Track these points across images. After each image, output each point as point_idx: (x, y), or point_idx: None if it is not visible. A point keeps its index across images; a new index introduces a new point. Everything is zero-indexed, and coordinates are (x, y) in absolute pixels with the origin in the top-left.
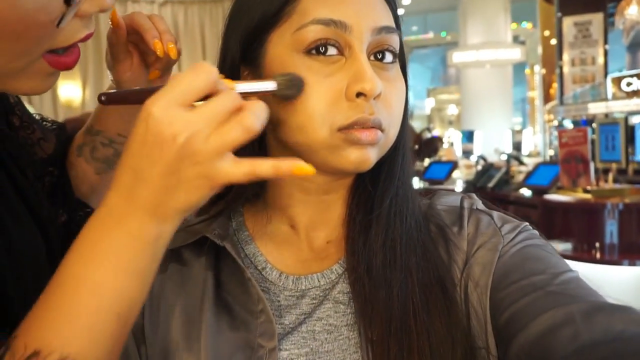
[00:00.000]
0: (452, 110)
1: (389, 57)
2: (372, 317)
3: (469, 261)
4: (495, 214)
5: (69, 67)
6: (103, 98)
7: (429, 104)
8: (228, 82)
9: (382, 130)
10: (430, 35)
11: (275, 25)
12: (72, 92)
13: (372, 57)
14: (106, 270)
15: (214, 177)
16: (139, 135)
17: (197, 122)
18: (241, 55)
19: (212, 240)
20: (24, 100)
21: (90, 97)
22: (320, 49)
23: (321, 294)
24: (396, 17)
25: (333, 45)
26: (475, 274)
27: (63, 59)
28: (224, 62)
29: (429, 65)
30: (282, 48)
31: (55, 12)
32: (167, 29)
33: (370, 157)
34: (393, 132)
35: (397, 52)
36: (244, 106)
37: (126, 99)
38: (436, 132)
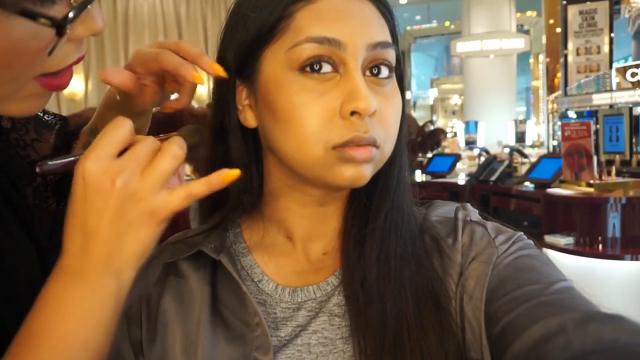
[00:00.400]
0: (455, 100)
1: (384, 72)
2: (365, 331)
3: (463, 274)
4: (489, 224)
5: (61, 88)
6: (40, 168)
7: (432, 94)
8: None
9: (377, 147)
10: (434, 24)
11: (269, 42)
12: (75, 85)
13: (367, 73)
14: (70, 325)
15: (156, 211)
16: (79, 194)
17: (128, 165)
18: (236, 69)
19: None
20: None
21: (92, 90)
22: (315, 66)
23: (317, 307)
24: (392, 30)
25: (327, 63)
26: (470, 287)
27: (56, 81)
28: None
29: (433, 55)
30: (276, 65)
31: (46, 40)
32: (200, 52)
33: (365, 173)
34: (388, 147)
35: (394, 65)
36: (163, 144)
37: (63, 165)
38: (439, 122)
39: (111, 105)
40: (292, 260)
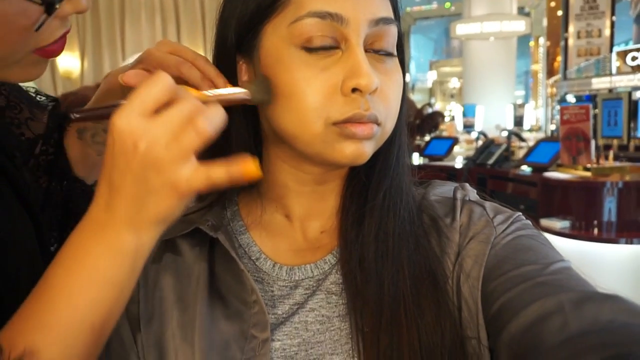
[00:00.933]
0: (454, 84)
1: (386, 49)
2: (363, 309)
3: (460, 253)
4: (487, 204)
5: (57, 54)
6: (76, 116)
7: (431, 76)
8: (194, 92)
9: (378, 124)
10: (434, 6)
11: (270, 16)
12: (70, 64)
13: (369, 49)
14: (82, 281)
15: (177, 185)
16: (109, 148)
17: (156, 130)
18: (236, 44)
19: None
20: None
21: (88, 68)
22: (316, 42)
23: (314, 285)
24: (395, 7)
25: (329, 39)
26: (467, 266)
27: (49, 48)
28: (219, 51)
29: (432, 37)
30: (277, 40)
31: (33, 17)
32: (217, 72)
33: (366, 151)
34: (390, 125)
35: (395, 42)
36: (200, 114)
37: (97, 115)
38: (437, 105)
39: (112, 93)
40: (290, 239)
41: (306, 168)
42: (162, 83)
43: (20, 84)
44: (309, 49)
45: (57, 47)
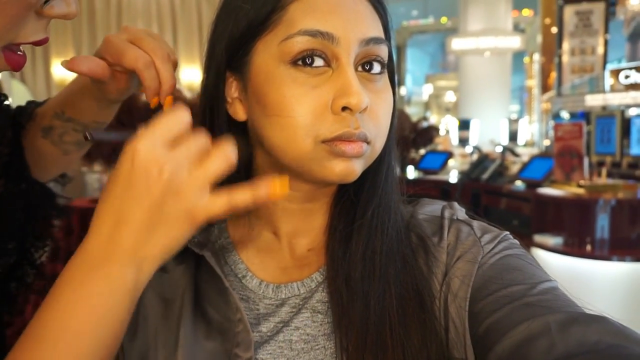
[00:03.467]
0: (450, 97)
1: (376, 68)
2: (348, 328)
3: (448, 273)
4: (475, 223)
5: (19, 67)
6: (89, 137)
7: (426, 90)
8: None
9: (367, 143)
10: (431, 20)
11: (261, 34)
12: (65, 72)
13: (359, 68)
14: (85, 320)
15: (194, 212)
16: (123, 175)
17: (180, 158)
18: (227, 61)
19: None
20: (16, 79)
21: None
22: (307, 60)
23: (300, 303)
24: (385, 26)
25: (320, 57)
26: (455, 286)
27: (18, 58)
28: (210, 67)
29: (428, 51)
30: (268, 58)
31: (28, 2)
32: (164, 56)
33: (355, 169)
34: (379, 144)
35: (386, 62)
36: (216, 145)
37: (113, 139)
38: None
39: (85, 91)
40: (277, 256)
41: (295, 186)
42: (183, 117)
43: None
44: (300, 68)
45: (23, 60)
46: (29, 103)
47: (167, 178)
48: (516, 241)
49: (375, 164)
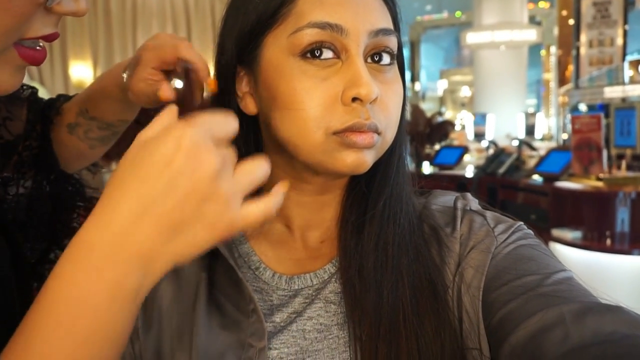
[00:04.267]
0: (465, 92)
1: (386, 59)
2: (361, 317)
3: (461, 263)
4: (488, 214)
5: (38, 62)
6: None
7: (441, 85)
8: None
9: (378, 134)
10: (445, 14)
11: (271, 27)
12: (83, 72)
13: (369, 60)
14: (79, 323)
15: (234, 221)
16: (159, 157)
17: (227, 158)
18: (237, 55)
19: None
20: (35, 81)
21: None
22: (316, 52)
23: (313, 293)
24: (394, 17)
25: (329, 49)
26: (468, 276)
27: (35, 53)
28: (220, 61)
29: (443, 46)
30: (278, 51)
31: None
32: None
33: (366, 160)
34: (390, 135)
35: (395, 53)
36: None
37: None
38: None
39: (106, 94)
40: (290, 248)
41: (306, 178)
42: (233, 123)
43: None
44: (309, 60)
45: (40, 55)
46: (59, 96)
47: (217, 175)
48: (530, 231)
49: (387, 155)
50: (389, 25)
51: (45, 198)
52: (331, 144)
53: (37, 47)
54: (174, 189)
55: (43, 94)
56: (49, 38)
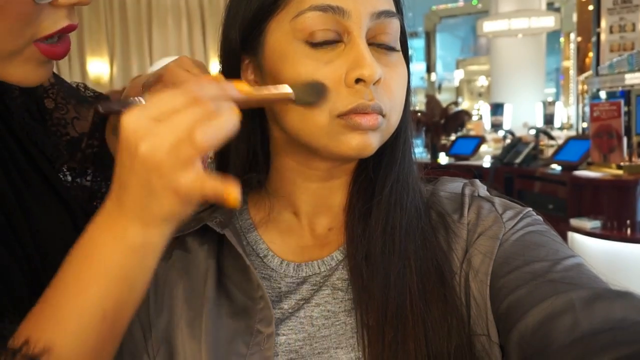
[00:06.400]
0: (482, 82)
1: (389, 42)
2: (368, 303)
3: (469, 250)
4: (497, 200)
5: (59, 56)
6: (101, 109)
7: (457, 75)
8: (244, 86)
9: (383, 115)
10: (460, 3)
11: (273, 13)
12: (100, 69)
13: (372, 43)
14: (92, 273)
15: (177, 190)
16: (119, 144)
17: (159, 135)
18: (241, 43)
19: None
20: None
21: (117, 73)
22: (319, 36)
23: (320, 280)
24: (397, 1)
25: (331, 32)
26: (476, 263)
27: (55, 48)
28: (225, 50)
29: (459, 35)
30: (281, 36)
31: None
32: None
33: (371, 142)
34: (395, 117)
35: (398, 35)
36: (205, 121)
37: (118, 110)
38: (465, 104)
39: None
40: (298, 236)
41: (313, 164)
42: (184, 96)
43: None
44: (312, 43)
45: (60, 49)
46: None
47: (144, 153)
48: (539, 217)
49: (392, 139)
50: (391, 7)
51: (102, 194)
52: (335, 126)
53: (55, 43)
54: (129, 169)
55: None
56: (65, 30)
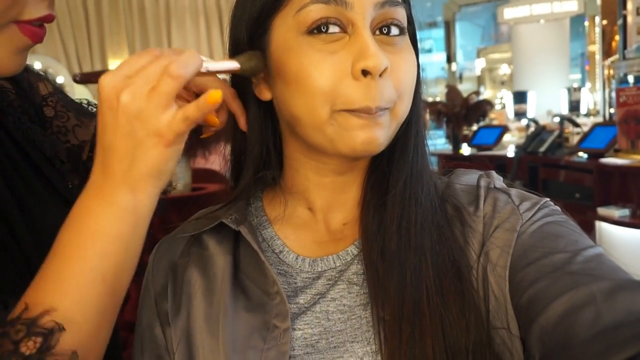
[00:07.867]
0: (504, 70)
1: (394, 31)
2: (384, 299)
3: (485, 243)
4: (513, 191)
5: (38, 38)
6: (78, 78)
7: (479, 64)
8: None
9: (389, 109)
10: None
11: (277, 9)
12: None
13: (377, 32)
14: (87, 236)
15: (160, 132)
16: (99, 111)
17: (136, 84)
18: (249, 42)
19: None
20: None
21: None
22: (322, 27)
23: (336, 275)
24: None
25: (334, 24)
26: (494, 256)
27: (35, 29)
28: (233, 49)
29: (479, 23)
30: (286, 31)
31: None
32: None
33: (378, 137)
34: (403, 107)
35: (405, 25)
36: (165, 64)
37: (94, 79)
38: (487, 93)
39: None
40: (313, 231)
41: (324, 159)
42: (148, 55)
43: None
44: (316, 35)
45: (41, 32)
46: None
47: (126, 102)
48: (557, 207)
49: (403, 131)
50: None
51: None
52: (338, 117)
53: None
54: (112, 128)
55: (86, 94)
56: (47, 19)
